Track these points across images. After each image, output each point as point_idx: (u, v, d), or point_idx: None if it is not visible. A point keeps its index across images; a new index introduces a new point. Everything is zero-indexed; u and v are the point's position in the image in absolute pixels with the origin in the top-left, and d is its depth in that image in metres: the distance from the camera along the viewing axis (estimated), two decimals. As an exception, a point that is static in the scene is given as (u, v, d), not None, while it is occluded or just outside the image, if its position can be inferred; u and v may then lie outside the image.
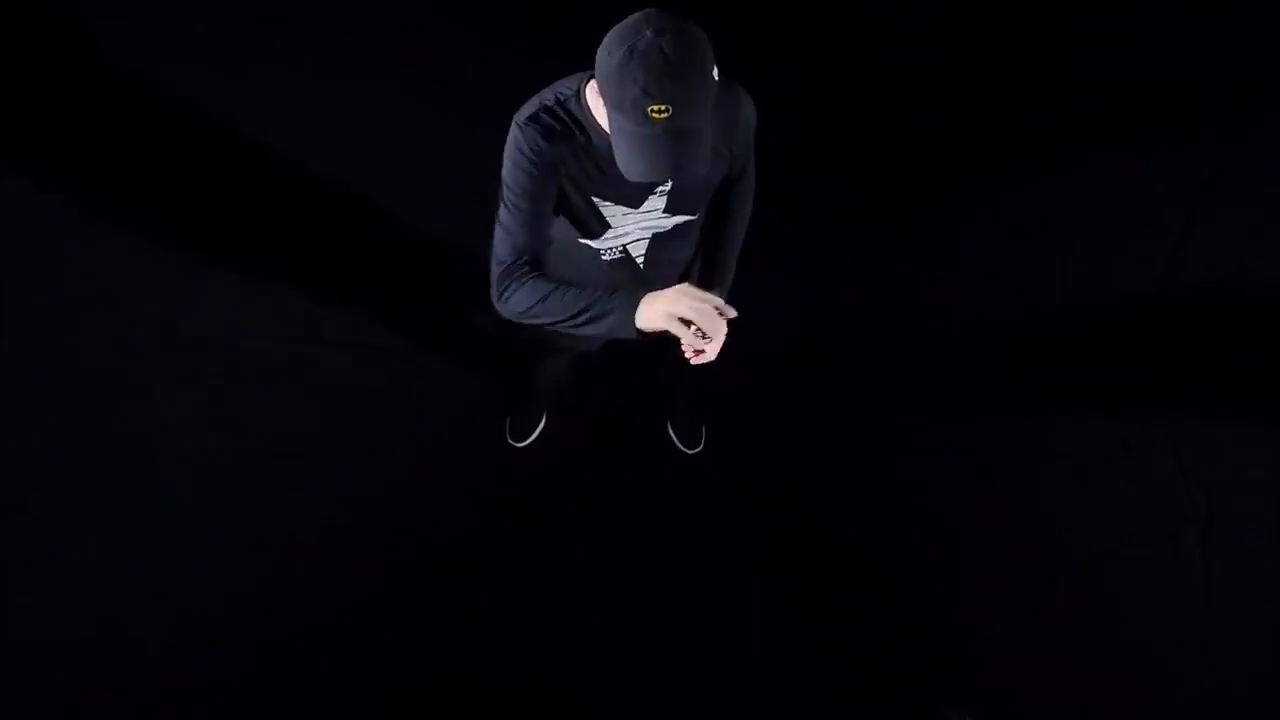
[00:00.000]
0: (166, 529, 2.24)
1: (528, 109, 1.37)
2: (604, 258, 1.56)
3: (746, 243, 1.67)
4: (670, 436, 2.47)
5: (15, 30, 2.66)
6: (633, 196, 1.44)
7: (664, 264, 1.63)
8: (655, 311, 1.28)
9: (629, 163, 1.25)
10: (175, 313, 2.44)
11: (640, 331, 1.31)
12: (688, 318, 1.26)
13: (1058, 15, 2.90)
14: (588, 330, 1.35)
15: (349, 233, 2.58)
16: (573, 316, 1.34)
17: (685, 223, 1.54)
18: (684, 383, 2.38)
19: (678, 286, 1.29)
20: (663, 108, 1.18)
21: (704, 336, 1.28)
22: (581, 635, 2.23)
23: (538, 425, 2.44)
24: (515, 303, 1.38)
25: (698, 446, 2.47)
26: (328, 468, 2.35)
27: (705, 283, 1.64)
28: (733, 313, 1.29)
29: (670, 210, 1.48)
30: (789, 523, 2.41)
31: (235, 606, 2.18)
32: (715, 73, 1.25)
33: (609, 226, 1.49)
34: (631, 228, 1.50)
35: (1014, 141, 2.80)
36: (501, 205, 1.40)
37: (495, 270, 1.41)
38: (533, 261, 1.39)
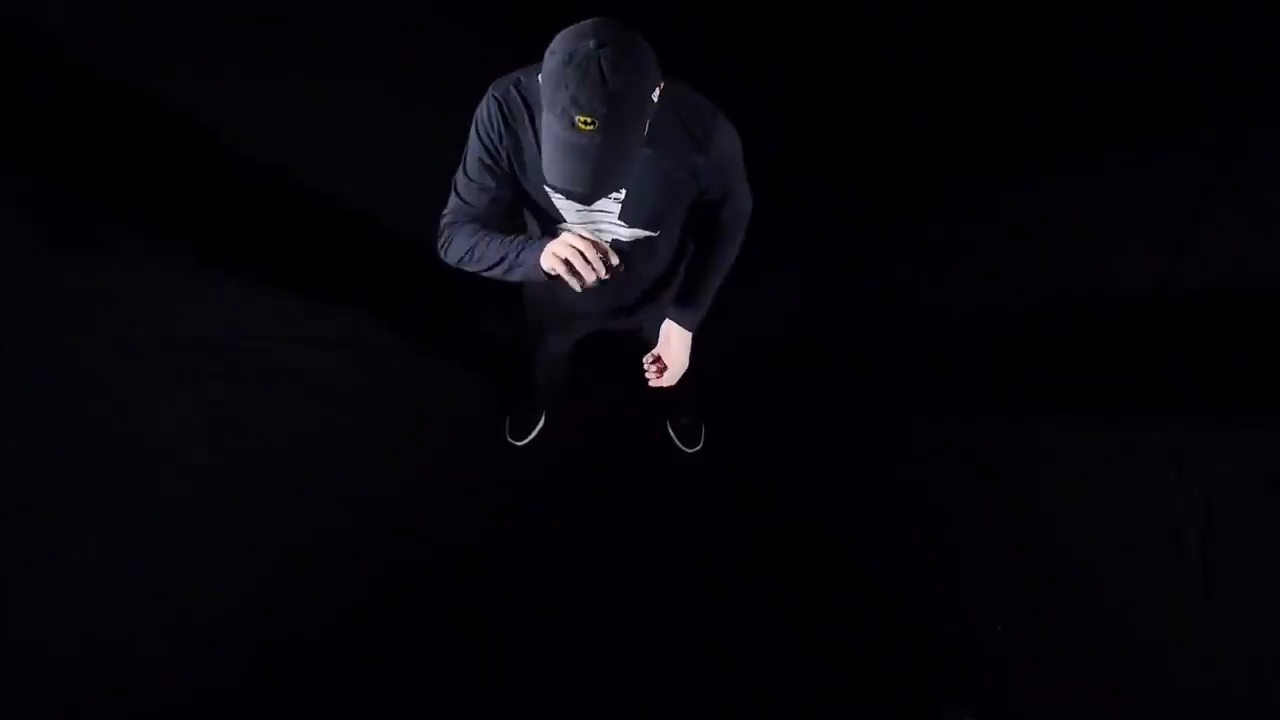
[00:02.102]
0: (166, 529, 2.24)
1: (503, 81, 1.38)
2: None
3: (747, 243, 1.67)
4: (670, 435, 2.47)
5: (15, 30, 2.66)
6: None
7: (627, 277, 1.59)
8: (548, 253, 1.34)
9: (549, 165, 1.25)
10: (175, 313, 2.44)
11: (547, 274, 1.37)
12: (563, 255, 1.31)
13: (1058, 15, 2.89)
14: (513, 277, 1.42)
15: (349, 233, 2.58)
16: (497, 264, 1.42)
17: (646, 239, 1.51)
18: (683, 382, 2.38)
19: (568, 233, 1.33)
20: (589, 120, 1.17)
21: (580, 279, 1.32)
22: (581, 635, 2.23)
23: (537, 424, 2.44)
24: (453, 251, 1.45)
25: (697, 445, 2.47)
26: (327, 468, 2.35)
27: (680, 301, 1.62)
28: (615, 259, 1.33)
29: (625, 219, 1.46)
30: (789, 522, 2.41)
31: (235, 606, 2.18)
32: (656, 95, 1.24)
33: (564, 220, 1.48)
34: (586, 226, 1.48)
35: (1014, 141, 2.80)
36: (461, 166, 1.44)
37: (441, 222, 1.47)
38: (474, 222, 1.46)
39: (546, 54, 1.20)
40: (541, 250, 1.36)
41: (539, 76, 1.24)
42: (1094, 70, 2.86)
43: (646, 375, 1.62)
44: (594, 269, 1.31)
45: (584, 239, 1.31)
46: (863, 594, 2.33)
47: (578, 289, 1.33)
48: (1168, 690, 2.22)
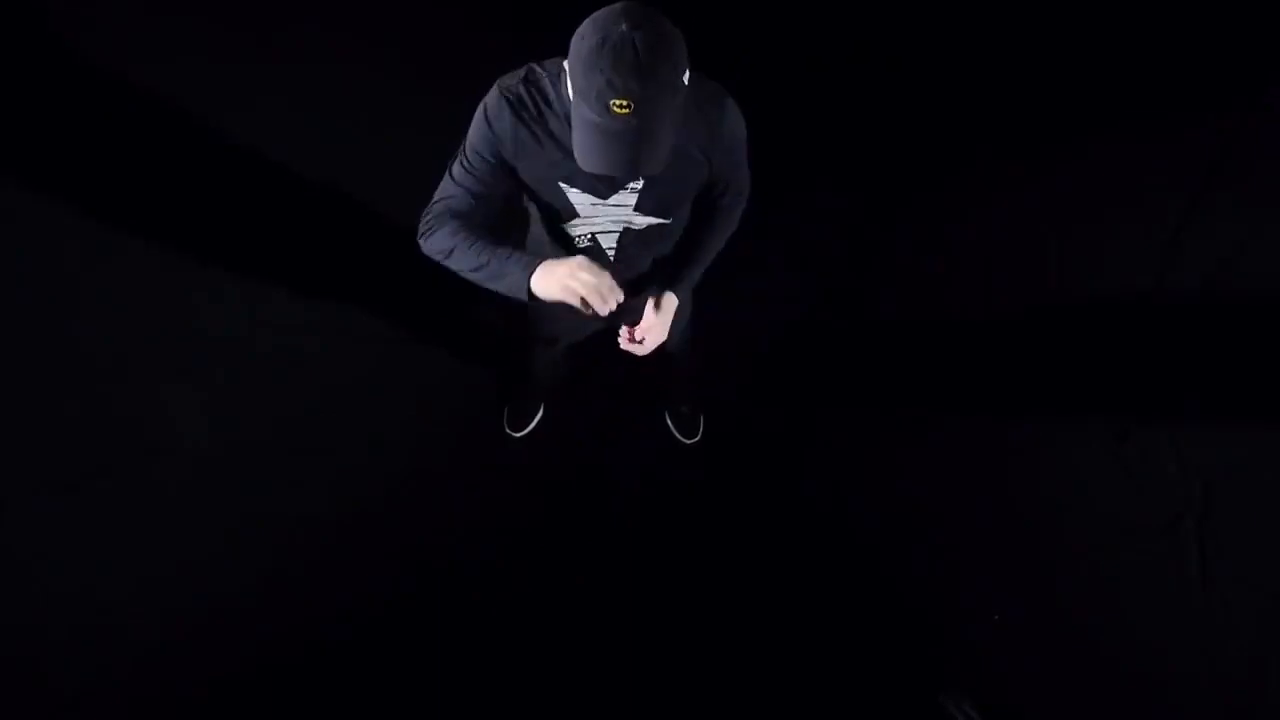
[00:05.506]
0: (165, 523, 2.24)
1: (511, 77, 1.36)
2: (576, 244, 1.55)
3: (748, 240, 1.67)
4: (668, 426, 2.48)
5: (14, 30, 2.66)
6: (600, 188, 1.42)
7: (634, 261, 1.60)
8: (551, 282, 1.29)
9: (585, 153, 1.24)
10: (175, 308, 2.45)
11: (533, 295, 1.32)
12: (580, 294, 1.27)
13: (1058, 15, 2.90)
14: (494, 287, 1.36)
15: (349, 228, 2.58)
16: (474, 270, 1.36)
17: (658, 225, 1.51)
18: (682, 374, 2.38)
19: (576, 259, 1.29)
20: (625, 103, 1.16)
21: (592, 311, 1.30)
22: (580, 631, 2.23)
23: (536, 415, 2.45)
24: (432, 244, 1.41)
25: (696, 436, 2.48)
26: (327, 462, 2.36)
27: (665, 280, 1.60)
28: (620, 296, 1.29)
29: (640, 209, 1.46)
30: (788, 519, 2.41)
31: (234, 598, 2.18)
32: (687, 78, 1.24)
33: (577, 215, 1.47)
34: (601, 219, 1.49)
35: (1013, 137, 2.80)
36: (459, 157, 1.41)
37: (428, 208, 1.43)
38: (459, 216, 1.40)
39: (575, 39, 1.19)
40: (530, 268, 1.30)
41: (563, 64, 1.23)
42: (1094, 69, 2.86)
43: (621, 343, 1.59)
44: (606, 305, 1.28)
45: (594, 272, 1.27)
46: (863, 590, 2.33)
47: (588, 315, 1.31)
48: (1167, 687, 2.22)
